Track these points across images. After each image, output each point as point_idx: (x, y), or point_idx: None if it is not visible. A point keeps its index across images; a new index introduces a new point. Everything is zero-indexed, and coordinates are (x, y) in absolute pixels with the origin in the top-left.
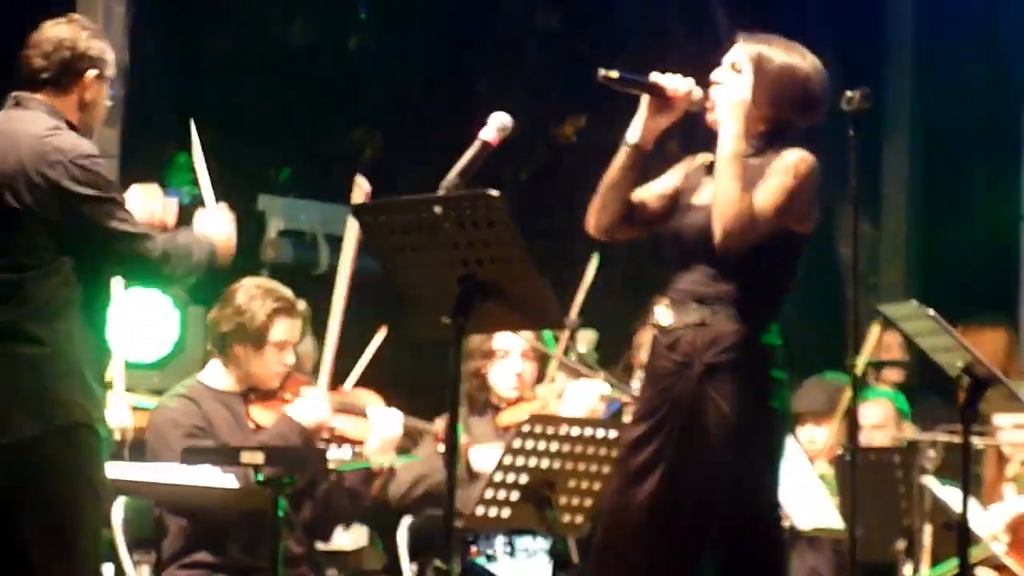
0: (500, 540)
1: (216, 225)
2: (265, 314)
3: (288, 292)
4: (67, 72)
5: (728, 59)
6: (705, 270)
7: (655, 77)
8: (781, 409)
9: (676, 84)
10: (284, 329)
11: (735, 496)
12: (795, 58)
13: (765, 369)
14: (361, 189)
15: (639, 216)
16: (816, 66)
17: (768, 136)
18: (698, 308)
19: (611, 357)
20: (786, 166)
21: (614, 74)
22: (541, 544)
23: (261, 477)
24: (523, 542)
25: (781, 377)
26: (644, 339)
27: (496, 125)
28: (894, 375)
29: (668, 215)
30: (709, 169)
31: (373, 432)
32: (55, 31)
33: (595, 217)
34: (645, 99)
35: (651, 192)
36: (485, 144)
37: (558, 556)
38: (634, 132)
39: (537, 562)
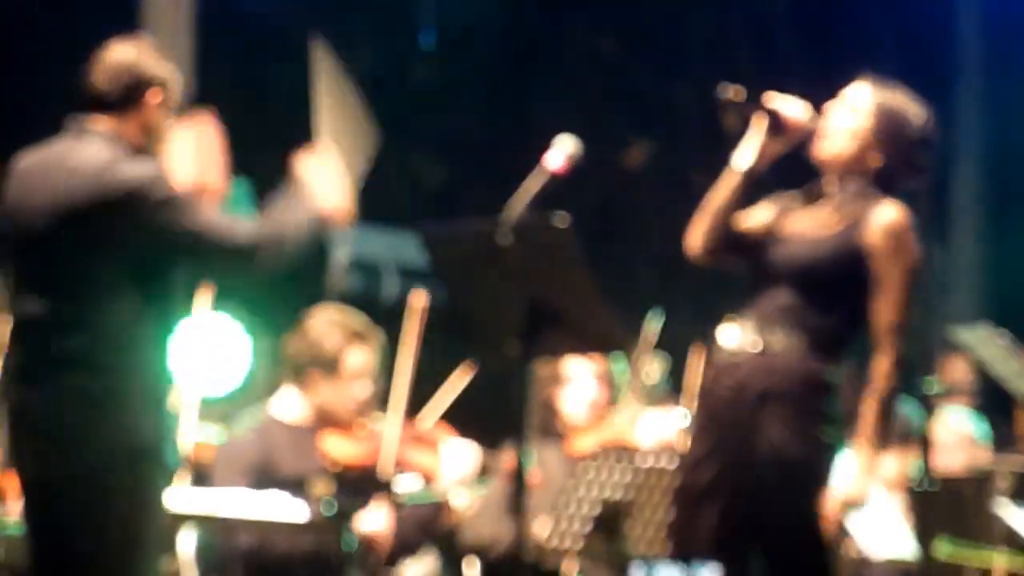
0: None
1: (321, 180)
2: (338, 342)
3: (362, 321)
4: (131, 95)
5: (850, 96)
6: (785, 299)
7: (775, 102)
8: (832, 442)
9: (795, 111)
10: (359, 358)
11: (782, 532)
12: (915, 115)
13: (820, 400)
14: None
15: (739, 243)
16: (931, 127)
17: (872, 182)
18: (767, 335)
19: (678, 385)
20: (896, 247)
21: (737, 94)
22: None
23: (330, 511)
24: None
25: (834, 411)
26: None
27: (563, 150)
28: (962, 400)
29: (765, 245)
30: (804, 199)
31: (447, 467)
32: (120, 53)
33: (699, 240)
34: (759, 124)
35: (752, 220)
36: (552, 173)
37: None
38: (745, 157)
39: None
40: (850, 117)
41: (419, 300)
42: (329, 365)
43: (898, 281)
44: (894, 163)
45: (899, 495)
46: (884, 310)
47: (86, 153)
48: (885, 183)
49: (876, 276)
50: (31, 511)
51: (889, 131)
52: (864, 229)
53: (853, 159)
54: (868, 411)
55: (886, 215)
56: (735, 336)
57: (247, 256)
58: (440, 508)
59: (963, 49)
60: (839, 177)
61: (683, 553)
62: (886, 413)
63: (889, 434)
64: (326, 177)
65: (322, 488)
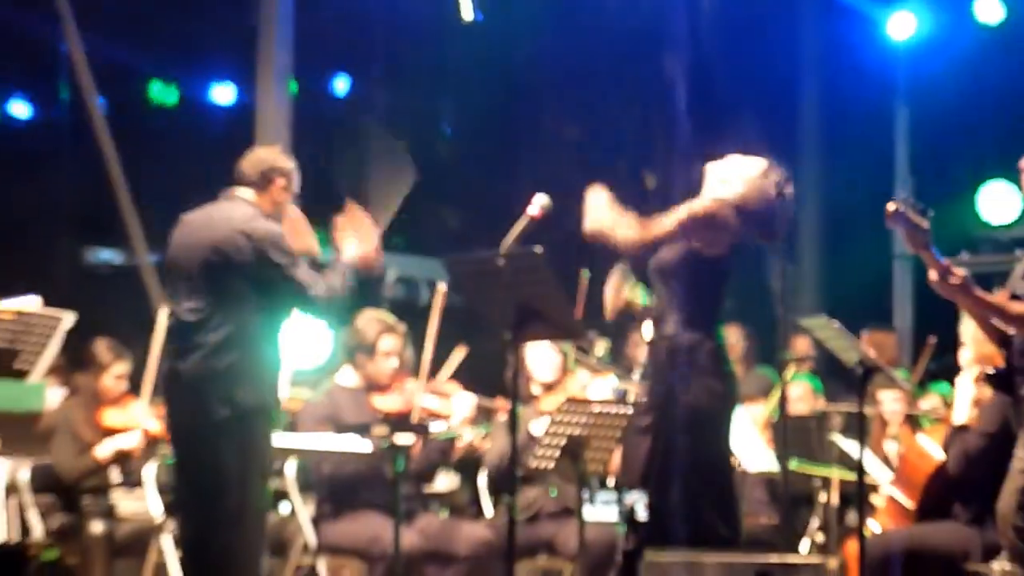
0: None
1: (349, 247)
2: (376, 332)
3: (391, 318)
4: (266, 179)
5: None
6: (664, 298)
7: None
8: (732, 393)
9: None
10: (388, 343)
11: (698, 454)
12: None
13: (711, 362)
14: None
15: None
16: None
17: None
18: (664, 325)
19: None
20: None
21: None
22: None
23: (387, 444)
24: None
25: (731, 370)
26: (637, 344)
27: (539, 204)
28: (806, 366)
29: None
30: None
31: (456, 409)
32: (263, 151)
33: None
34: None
35: None
36: (532, 218)
37: (630, 514)
38: None
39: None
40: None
41: (440, 294)
42: (369, 349)
43: None
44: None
45: (765, 430)
46: None
47: (236, 211)
48: None
49: None
50: (177, 448)
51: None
52: None
53: None
54: None
55: None
56: (649, 331)
57: (315, 306)
58: (454, 441)
59: (805, 124)
60: None
61: (625, 481)
62: None
63: None
64: (359, 233)
65: (379, 430)
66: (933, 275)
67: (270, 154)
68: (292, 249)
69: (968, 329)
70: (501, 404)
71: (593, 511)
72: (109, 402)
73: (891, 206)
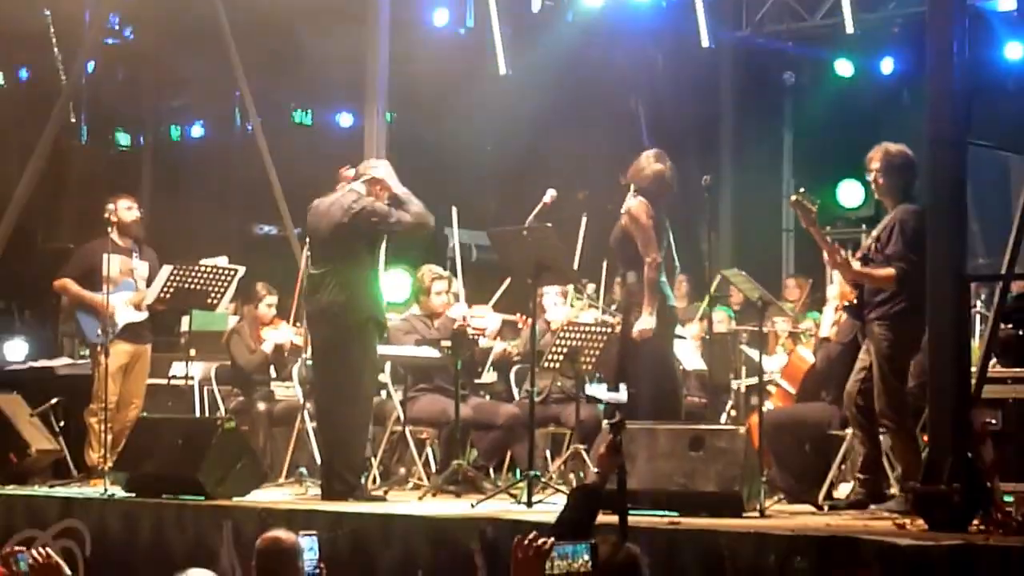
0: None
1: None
2: (429, 279)
3: (441, 269)
4: (371, 182)
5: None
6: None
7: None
8: (671, 318)
9: None
10: (439, 286)
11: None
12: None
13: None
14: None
15: None
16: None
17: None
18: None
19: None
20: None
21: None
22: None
23: (449, 352)
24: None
25: (672, 304)
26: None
27: (550, 195)
28: (726, 301)
29: None
30: None
31: (489, 325)
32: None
33: None
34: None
35: None
36: (545, 204)
37: (612, 413)
38: None
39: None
40: None
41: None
42: (426, 290)
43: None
44: None
45: (698, 342)
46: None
47: (347, 197)
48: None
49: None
50: (315, 353)
51: None
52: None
53: None
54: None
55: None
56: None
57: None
58: (492, 350)
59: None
60: None
61: (606, 376)
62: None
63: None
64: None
65: (444, 342)
66: (826, 255)
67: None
68: (383, 208)
69: (835, 276)
70: (522, 319)
71: (586, 396)
72: (265, 323)
73: (793, 196)
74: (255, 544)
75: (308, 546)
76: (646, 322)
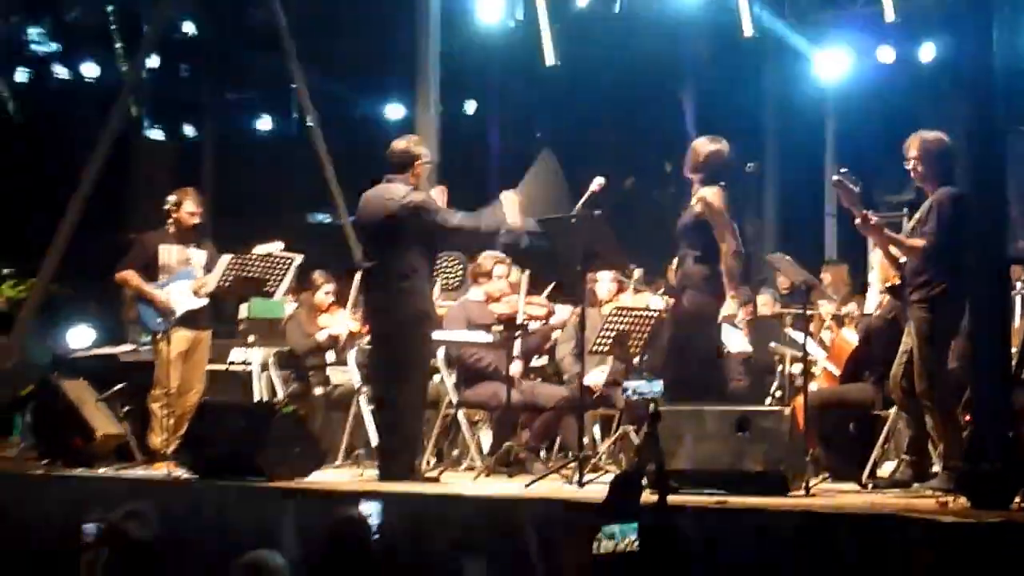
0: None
1: (508, 215)
2: (491, 263)
3: (500, 255)
4: (410, 162)
5: None
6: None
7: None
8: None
9: None
10: (498, 271)
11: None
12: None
13: (706, 281)
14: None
15: None
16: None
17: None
18: (686, 261)
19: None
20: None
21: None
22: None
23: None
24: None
25: (718, 286)
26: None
27: (598, 183)
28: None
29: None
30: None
31: (557, 314)
32: (401, 142)
33: None
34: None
35: None
36: (593, 192)
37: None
38: None
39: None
40: None
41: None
42: (486, 274)
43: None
44: None
45: (743, 326)
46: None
47: (394, 188)
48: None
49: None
50: (374, 342)
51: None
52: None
53: None
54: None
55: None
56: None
57: (458, 234)
58: (541, 334)
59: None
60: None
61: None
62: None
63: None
64: (510, 207)
65: (496, 328)
66: (858, 220)
67: (409, 143)
68: (432, 203)
69: (876, 257)
70: (576, 310)
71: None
72: (322, 310)
73: (835, 177)
74: (330, 518)
75: (373, 511)
76: (730, 307)
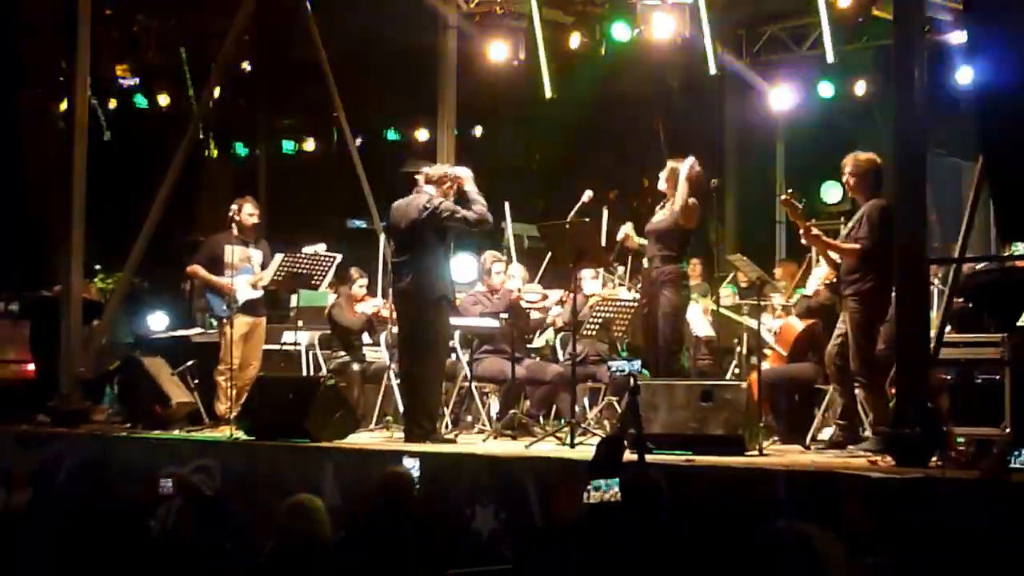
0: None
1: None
2: (491, 261)
3: (499, 254)
4: (442, 181)
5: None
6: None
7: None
8: (686, 294)
9: None
10: (498, 267)
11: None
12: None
13: (680, 280)
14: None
15: None
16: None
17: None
18: (654, 260)
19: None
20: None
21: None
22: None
23: (506, 320)
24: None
25: (687, 283)
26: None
27: (588, 195)
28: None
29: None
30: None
31: (549, 300)
32: (435, 168)
33: None
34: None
35: None
36: (584, 203)
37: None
38: None
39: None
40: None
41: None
42: (488, 271)
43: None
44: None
45: (707, 313)
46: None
47: (420, 197)
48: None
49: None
50: (401, 324)
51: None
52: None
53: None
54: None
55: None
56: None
57: (474, 225)
58: (543, 320)
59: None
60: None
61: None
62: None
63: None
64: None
65: (503, 315)
66: (802, 231)
67: (444, 170)
68: (451, 206)
69: (821, 262)
70: (567, 295)
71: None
72: (357, 300)
73: (783, 196)
74: (381, 472)
75: (412, 466)
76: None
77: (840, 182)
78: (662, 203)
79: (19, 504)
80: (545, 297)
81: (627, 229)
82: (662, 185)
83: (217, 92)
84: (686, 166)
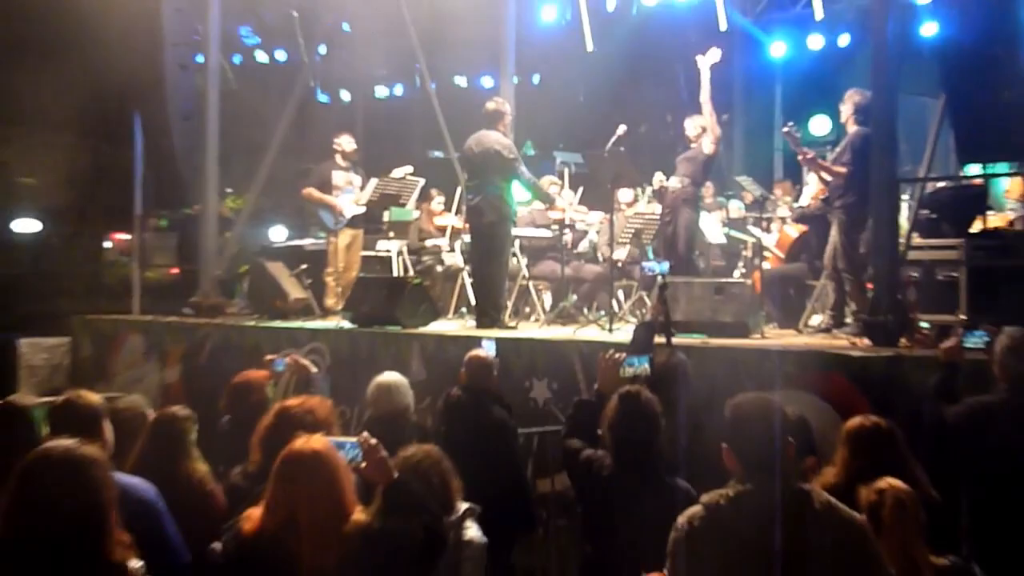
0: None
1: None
2: (548, 183)
3: (555, 179)
4: (500, 117)
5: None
6: (682, 171)
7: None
8: (700, 209)
9: None
10: (553, 189)
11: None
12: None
13: (696, 200)
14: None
15: None
16: None
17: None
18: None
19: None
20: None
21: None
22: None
23: (555, 232)
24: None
25: (700, 202)
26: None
27: (622, 128)
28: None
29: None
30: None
31: (592, 216)
32: (492, 103)
33: None
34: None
35: None
36: (619, 135)
37: (663, 280)
38: None
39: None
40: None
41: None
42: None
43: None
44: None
45: (720, 223)
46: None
47: (491, 135)
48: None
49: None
50: (472, 235)
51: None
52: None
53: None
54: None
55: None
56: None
57: (530, 186)
58: (587, 232)
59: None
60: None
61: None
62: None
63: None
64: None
65: (554, 227)
66: (800, 156)
67: (500, 104)
68: (516, 152)
69: (811, 180)
70: (605, 218)
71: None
72: (436, 214)
73: (784, 128)
74: (465, 358)
75: (490, 347)
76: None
77: (830, 115)
78: (691, 142)
79: (172, 377)
80: (588, 213)
81: (660, 177)
82: (690, 132)
83: (323, 48)
84: (710, 114)
